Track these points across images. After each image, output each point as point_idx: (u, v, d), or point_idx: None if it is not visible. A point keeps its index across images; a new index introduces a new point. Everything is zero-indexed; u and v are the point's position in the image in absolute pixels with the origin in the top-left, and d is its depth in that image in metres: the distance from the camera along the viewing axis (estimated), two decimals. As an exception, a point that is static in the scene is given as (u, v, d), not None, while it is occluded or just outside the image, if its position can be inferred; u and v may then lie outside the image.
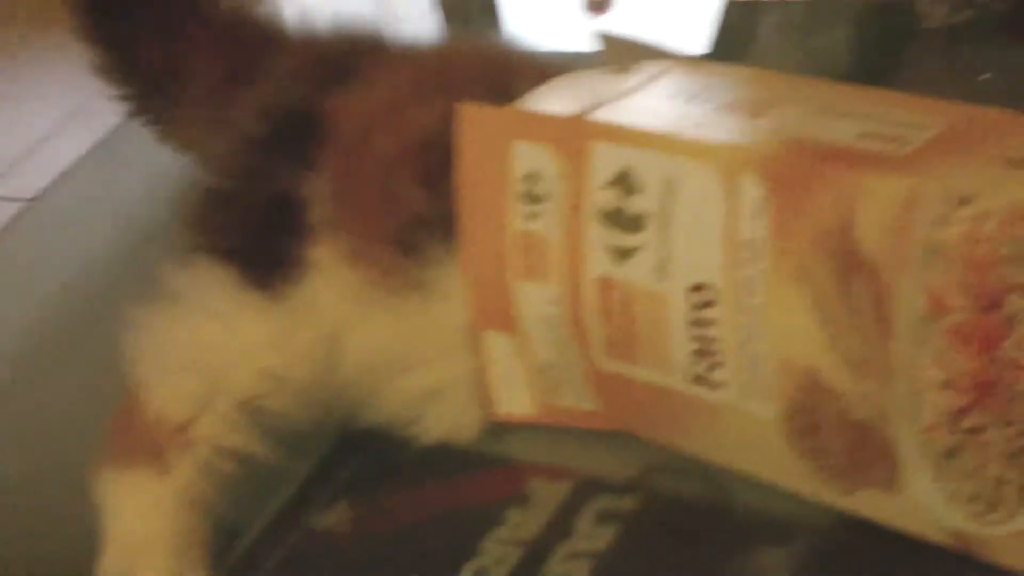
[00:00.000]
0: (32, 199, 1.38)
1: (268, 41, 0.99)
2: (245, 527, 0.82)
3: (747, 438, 0.74)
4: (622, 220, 0.74)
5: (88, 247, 1.16)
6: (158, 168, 1.13)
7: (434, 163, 0.80)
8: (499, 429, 0.85)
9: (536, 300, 0.79)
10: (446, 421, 0.84)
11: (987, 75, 1.09)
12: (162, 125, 1.08)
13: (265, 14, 1.01)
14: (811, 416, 0.71)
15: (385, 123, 0.83)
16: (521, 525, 0.78)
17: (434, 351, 0.83)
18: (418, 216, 0.81)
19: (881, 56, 1.17)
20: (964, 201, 0.63)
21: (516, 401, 0.84)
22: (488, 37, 1.12)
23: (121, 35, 1.06)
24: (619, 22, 1.26)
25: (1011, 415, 0.64)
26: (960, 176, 0.65)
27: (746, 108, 0.74)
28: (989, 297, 0.63)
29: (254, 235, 0.84)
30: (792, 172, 0.68)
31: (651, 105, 0.77)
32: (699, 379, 0.74)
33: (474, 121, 0.79)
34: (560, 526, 0.77)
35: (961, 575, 0.70)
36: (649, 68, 0.82)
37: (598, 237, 0.75)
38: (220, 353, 0.82)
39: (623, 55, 0.84)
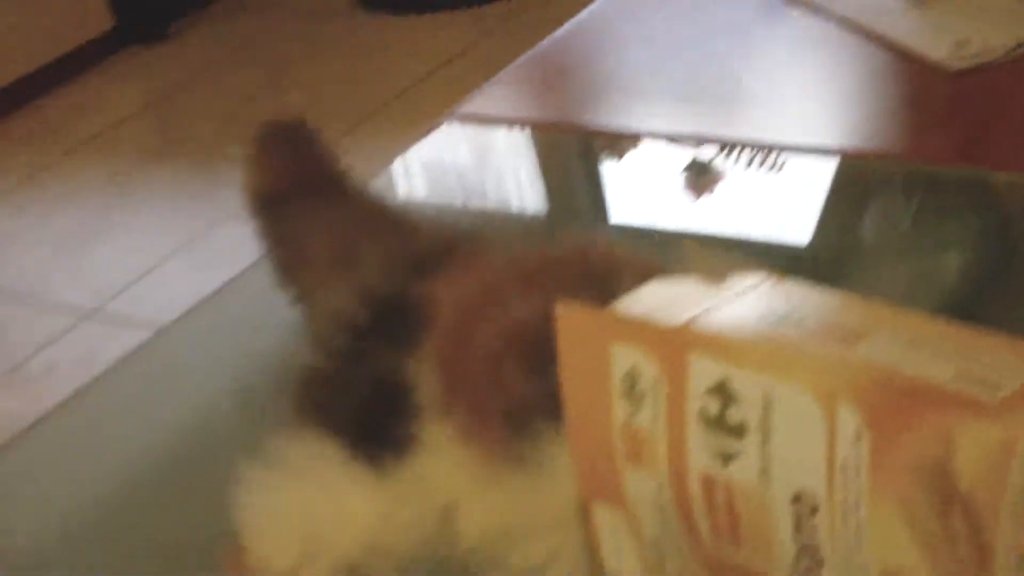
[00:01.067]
0: (141, 327, 1.41)
1: (372, 223, 1.01)
2: None
3: None
4: (723, 426, 0.76)
5: (198, 395, 1.19)
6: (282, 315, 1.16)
7: (537, 351, 0.83)
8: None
9: (643, 485, 0.82)
10: None
11: None
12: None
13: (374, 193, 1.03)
14: (909, 629, 0.73)
15: (487, 312, 0.86)
16: None
17: (547, 523, 0.86)
18: (525, 399, 0.83)
19: (993, 288, 1.17)
20: (1058, 453, 0.64)
21: (626, 570, 0.87)
22: (588, 231, 1.14)
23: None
24: (719, 205, 1.28)
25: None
26: None
27: (839, 335, 0.76)
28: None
29: (361, 414, 0.86)
30: (888, 406, 0.70)
31: (745, 320, 0.78)
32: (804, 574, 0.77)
33: (573, 320, 0.81)
34: None
35: None
36: (741, 282, 0.83)
37: (701, 438, 0.77)
38: (325, 521, 0.85)
39: (709, 264, 0.85)
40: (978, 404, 0.68)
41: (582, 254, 0.93)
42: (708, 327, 0.78)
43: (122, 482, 1.10)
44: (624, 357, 0.79)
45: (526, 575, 0.87)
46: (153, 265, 3.34)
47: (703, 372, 0.76)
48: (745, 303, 0.81)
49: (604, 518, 0.86)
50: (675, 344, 0.77)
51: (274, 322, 1.16)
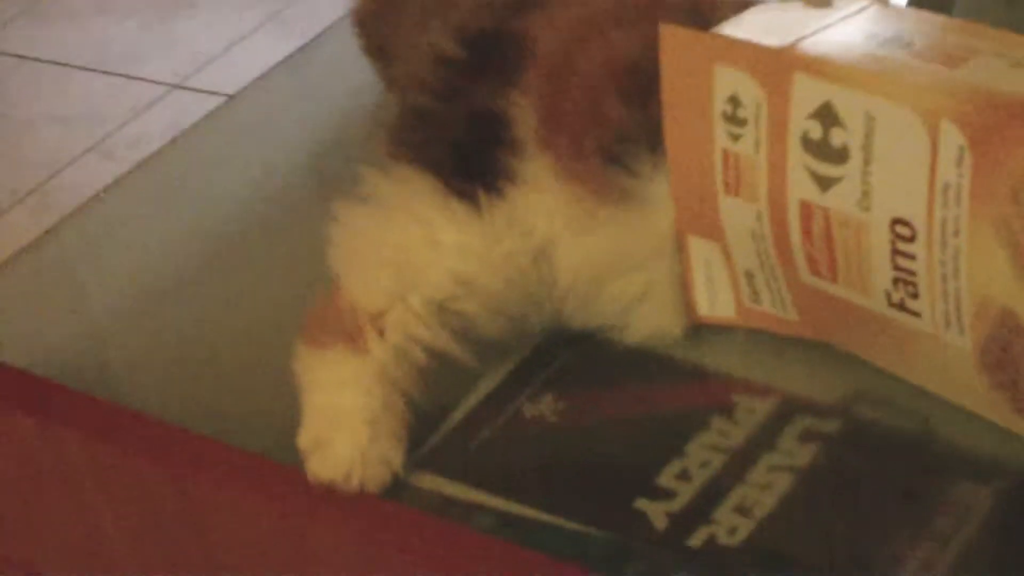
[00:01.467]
0: (229, 96, 1.41)
1: None
2: (451, 414, 0.86)
3: (943, 365, 0.77)
4: (825, 150, 0.76)
5: (286, 146, 1.19)
6: (356, 80, 1.16)
7: (638, 83, 0.82)
8: (706, 342, 0.88)
9: (740, 214, 0.82)
10: (651, 323, 0.87)
11: None
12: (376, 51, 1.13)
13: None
14: (1005, 352, 0.73)
15: (588, 44, 0.85)
16: (726, 433, 0.81)
17: (642, 257, 0.86)
18: (624, 132, 0.83)
19: None
20: None
21: (718, 303, 0.87)
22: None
23: None
24: None
25: None
26: None
27: (943, 56, 0.75)
28: None
29: (458, 149, 0.87)
30: (991, 125, 0.70)
31: (850, 42, 0.78)
32: (898, 305, 0.77)
33: (677, 42, 0.81)
34: (763, 439, 0.80)
35: None
36: (847, 5, 0.82)
37: (801, 163, 0.77)
38: (417, 254, 0.86)
39: None
40: None
41: None
42: (813, 48, 0.77)
43: (217, 231, 1.11)
44: (728, 79, 0.79)
45: (618, 310, 0.88)
46: (240, 36, 3.33)
47: (807, 94, 0.76)
48: (851, 26, 0.80)
49: (699, 251, 0.86)
50: (779, 65, 0.77)
51: (362, 79, 1.16)
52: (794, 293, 0.82)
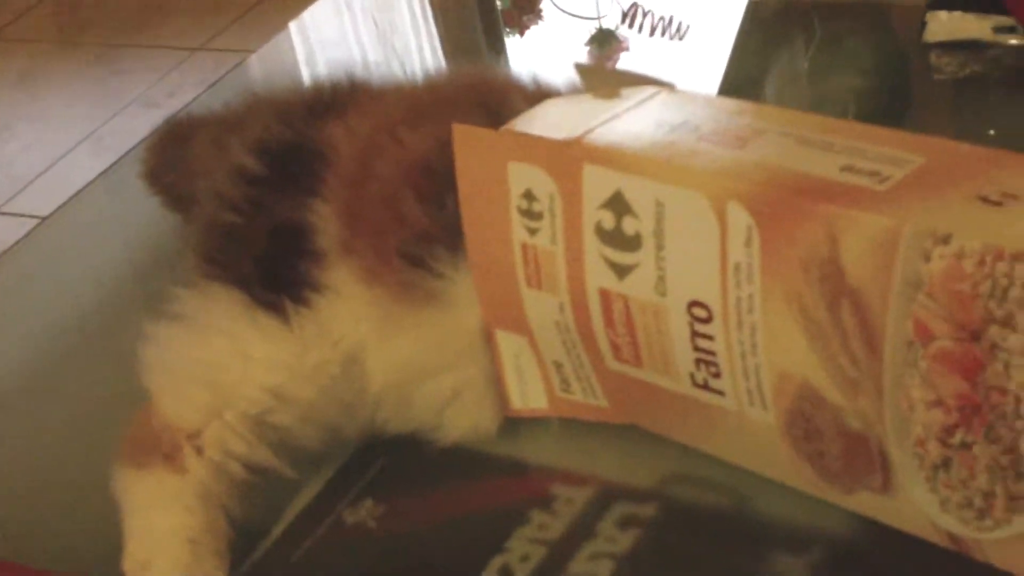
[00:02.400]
0: (46, 217, 1.41)
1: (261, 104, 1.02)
2: (272, 527, 0.85)
3: (752, 440, 0.78)
4: (619, 239, 0.77)
5: (98, 266, 1.19)
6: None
7: (434, 183, 0.83)
8: (522, 435, 0.89)
9: (543, 306, 0.82)
10: (466, 421, 0.87)
11: (992, 131, 1.10)
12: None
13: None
14: (809, 424, 0.74)
15: (384, 147, 0.85)
16: (545, 526, 0.81)
17: (451, 357, 0.86)
18: (423, 232, 0.83)
19: (890, 106, 1.20)
20: (942, 240, 0.65)
21: (530, 396, 0.88)
22: (479, 66, 1.13)
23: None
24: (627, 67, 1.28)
25: (995, 435, 0.67)
26: (938, 215, 0.67)
27: (730, 138, 0.76)
28: (971, 329, 0.66)
29: (263, 262, 0.86)
30: (776, 204, 0.71)
31: (638, 131, 0.79)
32: (702, 386, 0.78)
33: (470, 141, 0.81)
34: (583, 528, 0.80)
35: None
36: (635, 94, 0.83)
37: (597, 252, 0.78)
38: (228, 370, 0.85)
39: (604, 83, 0.86)
40: (864, 195, 0.69)
41: (471, 82, 0.93)
42: (601, 139, 0.78)
43: (30, 352, 1.10)
44: (521, 174, 0.80)
45: (432, 412, 0.88)
46: (57, 157, 3.30)
47: (597, 184, 0.77)
48: (640, 114, 0.81)
49: (508, 345, 0.86)
50: (569, 157, 0.78)
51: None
52: (603, 380, 0.83)
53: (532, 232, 0.80)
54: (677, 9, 1.38)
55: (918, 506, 0.72)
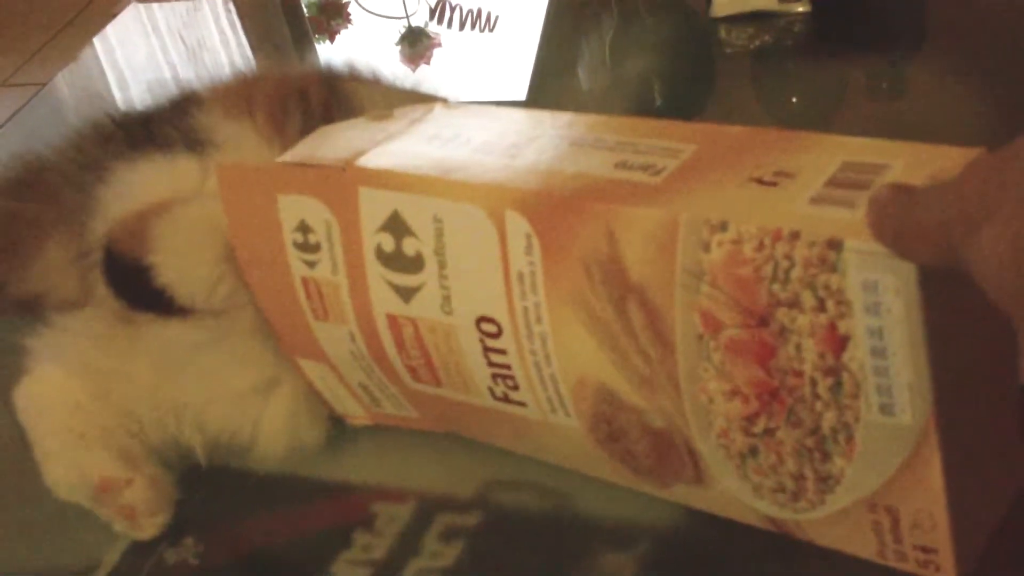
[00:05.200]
0: None
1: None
2: (93, 573, 0.81)
3: (564, 443, 0.74)
4: (400, 261, 0.73)
5: None
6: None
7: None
8: (341, 455, 0.85)
9: (334, 337, 0.78)
10: (284, 441, 0.84)
11: (794, 99, 1.08)
12: None
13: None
14: (612, 426, 0.71)
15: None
16: (369, 547, 0.77)
17: (262, 379, 0.83)
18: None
19: (691, 84, 1.17)
20: (719, 227, 0.62)
21: (347, 409, 0.84)
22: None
23: None
24: (437, 71, 1.25)
25: (797, 418, 0.64)
26: (713, 202, 0.63)
27: (505, 148, 0.72)
28: (758, 314, 0.62)
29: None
30: (553, 208, 0.67)
31: (413, 149, 0.74)
32: (503, 399, 0.74)
33: (235, 180, 0.77)
34: (407, 545, 0.77)
35: (803, 570, 0.70)
36: (409, 113, 0.79)
37: (380, 277, 0.74)
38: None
39: (385, 101, 0.82)
40: (638, 190, 0.65)
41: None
42: (375, 161, 0.74)
43: None
44: (293, 207, 0.75)
45: (245, 436, 0.84)
46: None
47: (374, 207, 0.72)
48: (414, 132, 0.77)
49: (312, 370, 0.82)
50: (342, 182, 0.73)
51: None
52: (409, 398, 0.79)
53: (311, 265, 0.75)
54: (485, 1, 1.35)
55: (733, 494, 0.69)
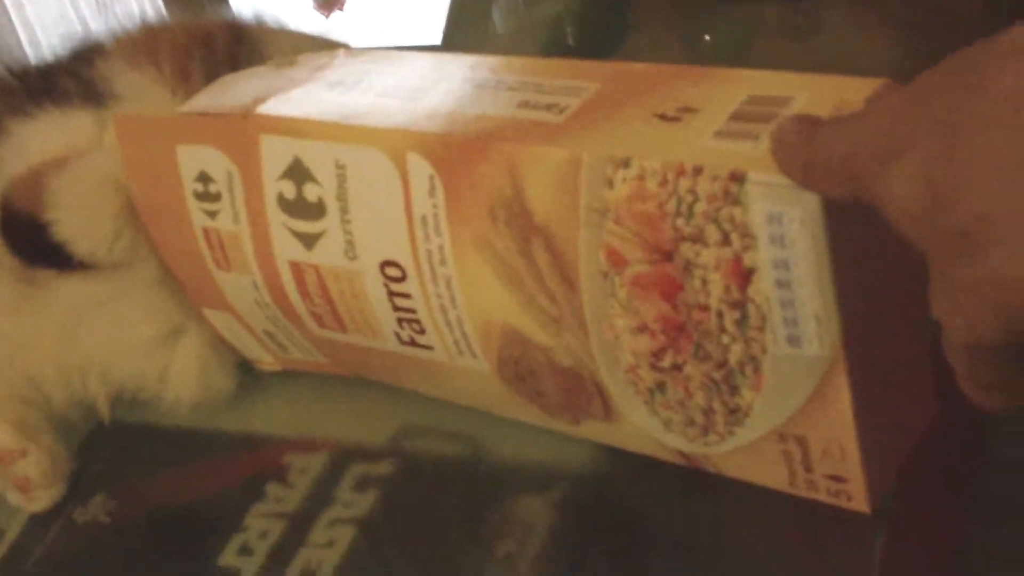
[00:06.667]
0: None
1: None
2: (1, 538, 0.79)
3: (474, 385, 0.72)
4: (302, 208, 0.70)
5: None
6: None
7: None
8: (251, 407, 0.83)
9: (238, 286, 0.76)
10: (196, 382, 0.82)
11: (708, 37, 1.07)
12: None
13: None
14: (520, 366, 0.69)
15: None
16: (282, 499, 0.75)
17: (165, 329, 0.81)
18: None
19: (605, 24, 1.15)
20: (623, 164, 0.60)
21: (256, 356, 0.82)
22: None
23: None
24: (351, 18, 1.22)
25: (704, 352, 0.63)
26: (616, 139, 0.61)
27: (406, 91, 0.70)
28: (663, 249, 0.61)
29: None
30: (455, 149, 0.65)
31: (315, 96, 0.72)
32: (410, 343, 0.72)
33: (133, 131, 0.74)
34: (320, 496, 0.75)
35: (719, 506, 0.69)
36: (313, 60, 0.77)
37: (282, 225, 0.71)
38: None
39: (291, 48, 0.79)
40: (541, 130, 0.63)
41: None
42: (277, 108, 0.71)
43: None
44: (193, 157, 0.73)
45: (154, 385, 0.83)
46: None
47: (275, 154, 0.70)
48: (318, 79, 0.74)
49: (217, 320, 0.80)
50: (243, 131, 0.71)
51: None
52: (314, 344, 0.77)
53: (212, 215, 0.73)
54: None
55: (643, 429, 0.67)
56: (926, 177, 0.45)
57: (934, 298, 0.47)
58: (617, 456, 0.70)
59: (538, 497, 0.71)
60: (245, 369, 0.83)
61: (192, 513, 0.77)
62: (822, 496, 0.64)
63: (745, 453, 0.64)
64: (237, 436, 0.81)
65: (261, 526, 0.74)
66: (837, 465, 0.62)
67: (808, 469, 0.63)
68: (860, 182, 0.49)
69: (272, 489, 0.76)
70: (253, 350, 0.80)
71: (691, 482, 0.68)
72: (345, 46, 0.79)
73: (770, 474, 0.64)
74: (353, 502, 0.74)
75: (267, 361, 0.81)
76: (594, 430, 0.69)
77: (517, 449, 0.74)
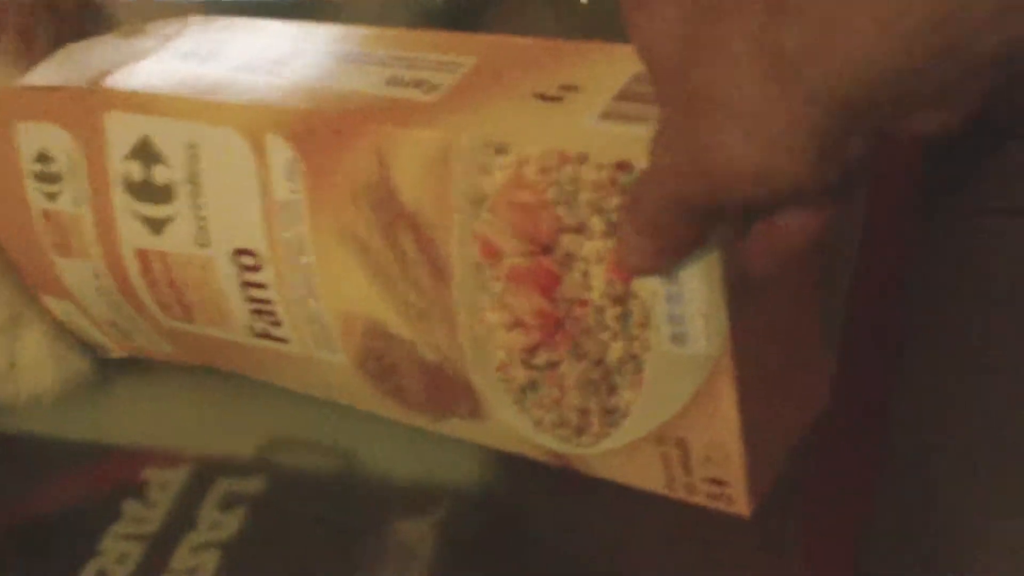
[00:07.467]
0: None
1: None
2: None
3: (330, 378, 0.67)
4: (150, 191, 0.65)
5: None
6: None
7: None
8: (105, 413, 0.76)
9: (79, 273, 0.70)
10: (49, 365, 0.75)
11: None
12: None
13: None
14: (382, 361, 0.65)
15: None
16: (141, 518, 0.68)
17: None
18: None
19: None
20: (501, 149, 0.56)
21: (101, 343, 0.76)
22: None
23: None
24: None
25: (582, 350, 0.59)
26: (493, 122, 0.57)
27: (265, 65, 0.65)
28: (541, 241, 0.57)
29: None
30: (317, 130, 0.60)
31: (165, 68, 0.66)
32: (263, 335, 0.67)
33: None
34: (182, 516, 0.68)
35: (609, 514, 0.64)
36: (162, 28, 0.71)
37: (128, 209, 0.66)
38: None
39: (140, 14, 0.74)
40: (410, 109, 0.59)
41: None
42: (124, 82, 0.66)
43: None
44: (32, 135, 0.67)
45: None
46: None
47: (121, 132, 0.64)
48: (168, 50, 0.69)
49: (57, 307, 0.74)
50: (86, 106, 0.65)
51: None
52: (161, 334, 0.72)
53: (51, 197, 0.67)
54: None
55: (511, 428, 0.63)
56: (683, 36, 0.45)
57: (655, 143, 0.47)
58: (504, 469, 0.66)
59: (420, 520, 0.66)
60: (101, 373, 0.76)
61: (42, 534, 0.70)
62: (700, 500, 0.61)
63: (620, 455, 0.61)
64: (91, 445, 0.74)
65: (119, 549, 0.67)
66: (719, 469, 0.59)
67: (687, 472, 0.60)
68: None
69: (130, 507, 0.69)
70: (96, 338, 0.74)
71: (586, 493, 0.64)
72: (197, 10, 0.73)
73: (646, 476, 0.61)
74: (219, 523, 0.67)
75: (111, 348, 0.75)
76: (458, 428, 0.65)
77: (394, 463, 0.68)
